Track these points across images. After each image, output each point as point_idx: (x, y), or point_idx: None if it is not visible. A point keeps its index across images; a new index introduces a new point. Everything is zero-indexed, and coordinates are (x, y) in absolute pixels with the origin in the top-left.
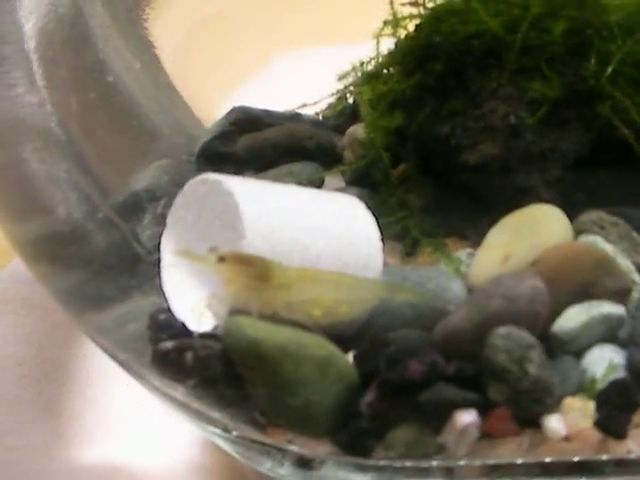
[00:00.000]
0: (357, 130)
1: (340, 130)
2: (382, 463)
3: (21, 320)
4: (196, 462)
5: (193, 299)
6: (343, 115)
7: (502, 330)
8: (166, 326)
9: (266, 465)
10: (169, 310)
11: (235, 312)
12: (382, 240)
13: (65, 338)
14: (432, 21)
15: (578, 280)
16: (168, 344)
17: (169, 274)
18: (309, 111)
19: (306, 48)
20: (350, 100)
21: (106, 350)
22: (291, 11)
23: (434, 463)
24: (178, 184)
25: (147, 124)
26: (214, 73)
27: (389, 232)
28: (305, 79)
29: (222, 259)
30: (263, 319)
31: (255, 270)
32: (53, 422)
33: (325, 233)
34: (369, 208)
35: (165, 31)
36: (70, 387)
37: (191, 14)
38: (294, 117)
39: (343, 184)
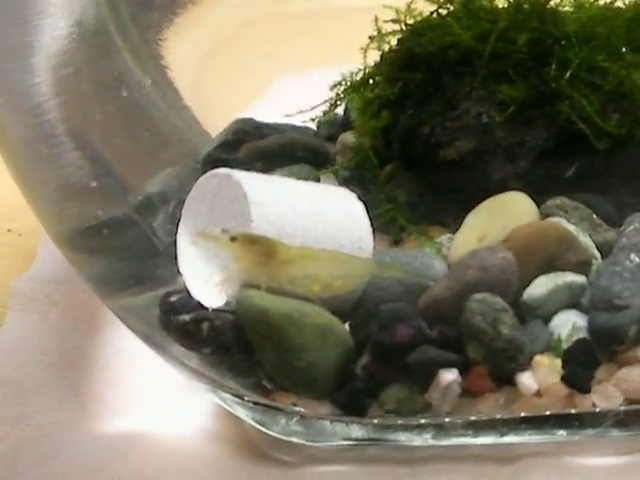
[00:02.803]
0: (347, 137)
1: (332, 139)
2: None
3: (45, 316)
4: (209, 430)
5: (207, 279)
6: (335, 125)
7: (478, 296)
8: (180, 305)
9: (281, 423)
10: (182, 291)
11: (245, 286)
12: (372, 227)
13: (85, 330)
14: (412, 35)
15: (544, 254)
16: (186, 316)
17: (185, 259)
18: (305, 118)
19: (307, 69)
20: (341, 111)
21: (131, 327)
22: (293, 35)
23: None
24: (185, 188)
25: (158, 135)
26: (223, 91)
27: (378, 223)
28: (305, 97)
29: (233, 239)
30: (270, 291)
31: (262, 248)
32: (78, 401)
33: (322, 219)
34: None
35: (180, 52)
36: (92, 372)
37: (203, 39)
38: (290, 128)
39: (336, 184)
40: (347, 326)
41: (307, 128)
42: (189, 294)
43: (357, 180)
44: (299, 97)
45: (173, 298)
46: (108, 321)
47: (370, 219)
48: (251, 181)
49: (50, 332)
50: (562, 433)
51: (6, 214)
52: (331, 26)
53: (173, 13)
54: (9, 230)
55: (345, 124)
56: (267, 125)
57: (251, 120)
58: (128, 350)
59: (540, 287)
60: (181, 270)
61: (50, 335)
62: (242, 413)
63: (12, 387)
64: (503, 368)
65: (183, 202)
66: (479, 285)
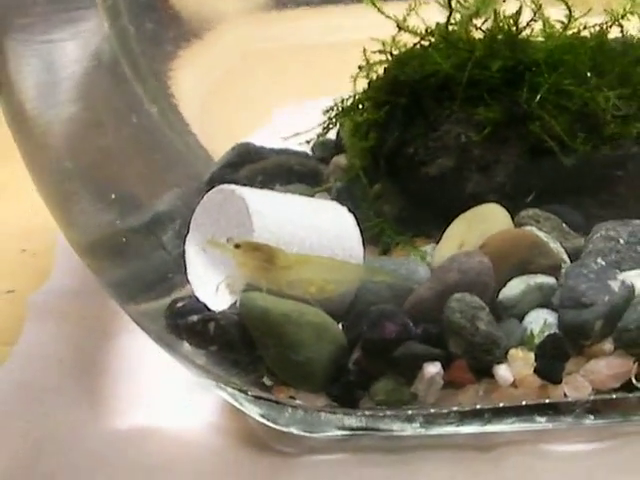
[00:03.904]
0: (340, 159)
1: (325, 161)
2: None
3: (60, 326)
4: (215, 424)
5: (213, 284)
6: (328, 148)
7: (457, 295)
8: (188, 308)
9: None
10: (188, 298)
11: (248, 289)
12: (362, 238)
13: (98, 339)
14: (397, 64)
15: (518, 258)
16: (194, 317)
17: (193, 267)
18: (302, 141)
19: (303, 100)
20: (333, 136)
21: (144, 328)
22: (290, 67)
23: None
24: (190, 207)
25: (164, 158)
26: (226, 120)
27: (368, 235)
28: (301, 126)
29: (237, 246)
30: (270, 293)
31: (263, 255)
32: (93, 401)
33: (317, 229)
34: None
35: (186, 83)
36: (105, 375)
37: (207, 70)
38: (287, 151)
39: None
40: (340, 326)
41: (302, 152)
42: (196, 299)
43: (348, 197)
44: (296, 125)
45: (180, 304)
46: (119, 330)
47: (360, 231)
48: (253, 195)
49: (65, 341)
50: (540, 420)
51: (21, 235)
52: (324, 59)
53: (179, 47)
54: (24, 250)
55: (337, 147)
56: (265, 149)
57: (251, 144)
58: (138, 356)
59: (514, 288)
60: (189, 277)
61: (65, 344)
62: (247, 407)
63: (31, 390)
64: (481, 361)
65: (188, 219)
66: (458, 286)
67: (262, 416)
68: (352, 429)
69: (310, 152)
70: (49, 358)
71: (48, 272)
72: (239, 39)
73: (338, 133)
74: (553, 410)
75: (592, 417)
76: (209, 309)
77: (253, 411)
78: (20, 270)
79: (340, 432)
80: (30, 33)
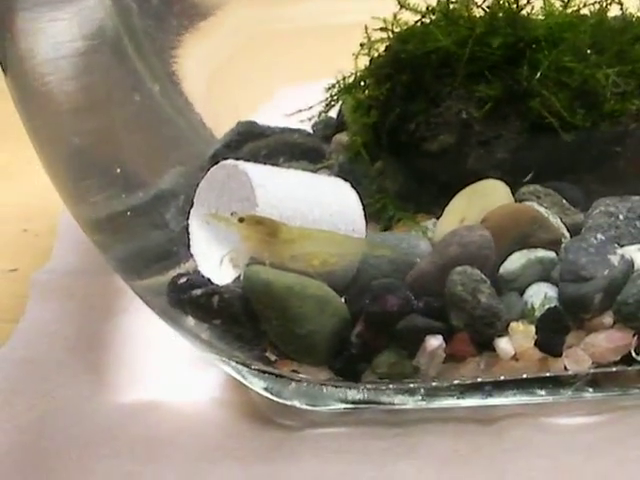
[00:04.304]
0: (342, 137)
1: (327, 139)
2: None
3: (64, 304)
4: (218, 398)
5: (217, 258)
6: (330, 127)
7: (459, 269)
8: (191, 283)
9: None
10: (191, 273)
11: (252, 262)
12: (365, 215)
13: (101, 316)
14: (398, 42)
15: (518, 232)
16: (198, 291)
17: (197, 241)
18: (303, 118)
19: (306, 81)
20: (335, 114)
21: (149, 303)
22: (293, 50)
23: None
24: (192, 185)
25: (167, 136)
26: (230, 100)
27: (370, 211)
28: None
29: (241, 220)
30: (273, 267)
31: (266, 229)
32: (97, 377)
33: (319, 204)
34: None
35: (190, 65)
36: (108, 352)
37: (211, 52)
38: (289, 130)
39: None
40: (343, 300)
41: (304, 130)
42: (199, 273)
43: (350, 174)
44: (299, 105)
45: (183, 278)
46: (122, 308)
47: (362, 206)
48: (256, 170)
49: (69, 319)
50: (541, 393)
51: (23, 216)
52: (328, 41)
53: (182, 27)
54: (25, 230)
55: (339, 126)
56: (268, 127)
57: (253, 123)
58: (141, 333)
59: (515, 262)
60: (193, 252)
61: (69, 321)
62: (251, 381)
63: (35, 366)
64: (483, 334)
65: (192, 195)
66: (459, 260)
67: (266, 390)
68: (354, 402)
69: (312, 130)
70: (53, 335)
71: (49, 252)
72: (243, 20)
73: (340, 111)
74: (553, 383)
75: (592, 390)
76: (212, 283)
77: (257, 385)
78: (22, 250)
79: (343, 405)
80: (37, 12)
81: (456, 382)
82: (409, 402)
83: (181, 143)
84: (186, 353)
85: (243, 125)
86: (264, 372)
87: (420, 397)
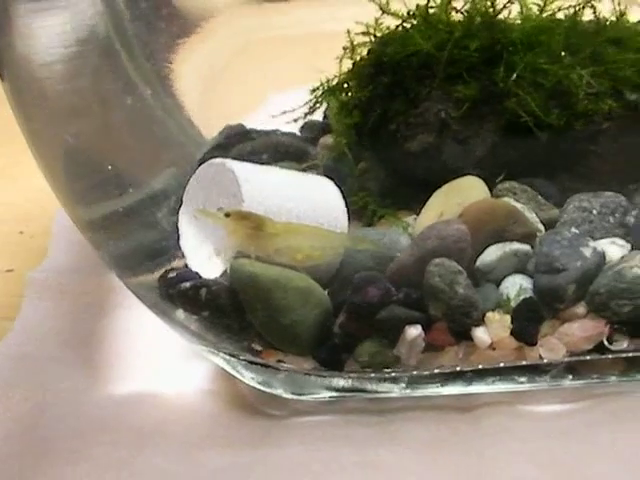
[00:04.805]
0: (327, 139)
1: (313, 142)
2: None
3: (58, 302)
4: (207, 389)
5: (205, 253)
6: (315, 129)
7: (436, 260)
8: (180, 277)
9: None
10: (180, 268)
11: (238, 256)
12: (347, 209)
13: (94, 313)
14: (380, 46)
15: (494, 226)
16: (187, 284)
17: (186, 237)
18: (289, 120)
19: (297, 87)
20: (320, 119)
21: (141, 298)
22: (282, 57)
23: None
24: (183, 186)
25: (158, 139)
26: (221, 104)
27: (353, 209)
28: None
29: (228, 215)
30: (259, 260)
31: (252, 223)
32: (90, 371)
33: (303, 200)
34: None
35: (184, 71)
36: (101, 347)
37: (205, 58)
38: (276, 132)
39: None
40: (326, 293)
41: (291, 133)
42: (187, 268)
43: (335, 173)
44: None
45: (172, 273)
46: (115, 306)
47: (345, 203)
48: (242, 167)
49: (63, 316)
50: (520, 380)
51: (19, 218)
52: (316, 48)
53: (175, 35)
54: (22, 232)
55: (325, 128)
56: (255, 130)
57: (241, 126)
58: (133, 328)
59: (491, 254)
60: (182, 247)
61: (63, 318)
62: (239, 371)
63: (31, 360)
64: (460, 323)
65: (182, 193)
66: (437, 252)
67: (253, 379)
68: (340, 390)
69: (299, 133)
70: (47, 331)
71: (45, 252)
72: (236, 27)
73: (325, 115)
74: (531, 371)
75: (571, 377)
76: (201, 277)
77: (245, 375)
78: (18, 250)
79: (329, 393)
80: (32, 18)
81: (436, 371)
82: (393, 390)
83: (172, 145)
84: (177, 347)
85: (230, 128)
86: (251, 363)
87: (404, 385)
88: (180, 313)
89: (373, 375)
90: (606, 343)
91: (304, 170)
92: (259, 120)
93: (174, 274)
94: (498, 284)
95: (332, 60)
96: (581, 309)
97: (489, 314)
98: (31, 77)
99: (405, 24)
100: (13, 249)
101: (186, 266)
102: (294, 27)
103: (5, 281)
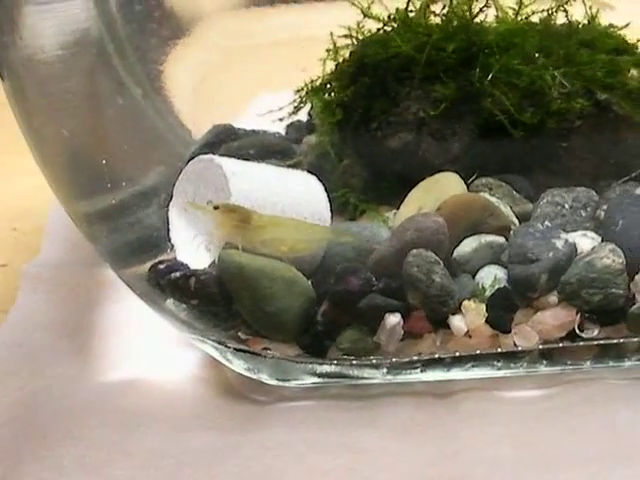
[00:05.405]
0: (311, 139)
1: (298, 141)
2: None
3: (52, 295)
4: (196, 376)
5: (194, 244)
6: (300, 129)
7: (414, 251)
8: (170, 268)
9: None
10: (170, 260)
11: (226, 247)
12: (330, 204)
13: (87, 305)
14: (362, 48)
15: (470, 219)
16: (177, 274)
17: (176, 229)
18: (274, 119)
19: (280, 90)
20: (304, 119)
21: (133, 287)
22: (268, 61)
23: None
24: (172, 183)
25: (148, 138)
26: (208, 106)
27: (335, 205)
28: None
29: (216, 207)
30: (246, 251)
31: (239, 216)
32: (82, 358)
33: (288, 194)
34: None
35: (174, 72)
36: (93, 336)
37: (195, 61)
38: (262, 132)
39: None
40: (310, 283)
41: (277, 132)
42: (176, 259)
43: (318, 170)
44: (272, 111)
45: (162, 265)
46: (107, 298)
47: (328, 198)
48: (230, 163)
49: (56, 307)
50: (498, 365)
51: (12, 215)
52: (300, 53)
53: (166, 36)
54: (15, 229)
55: (309, 128)
56: (241, 130)
57: (228, 125)
58: (124, 320)
59: (467, 246)
60: (172, 238)
61: (56, 310)
62: (227, 358)
63: (26, 349)
64: (437, 312)
65: (170, 192)
66: (415, 244)
67: (240, 366)
68: (323, 376)
69: (285, 133)
70: (41, 321)
71: (38, 248)
72: (224, 31)
73: (310, 115)
74: (506, 358)
75: (545, 363)
76: (190, 267)
77: (232, 362)
78: (12, 246)
79: (313, 380)
80: (28, 21)
81: (415, 357)
82: (375, 376)
83: (162, 144)
84: (166, 336)
85: (218, 128)
86: (238, 350)
87: (385, 371)
88: (170, 302)
89: (355, 362)
90: (577, 331)
91: (289, 167)
92: (246, 121)
93: (164, 265)
94: (474, 274)
95: (316, 62)
96: (553, 298)
97: (465, 303)
98: (31, 76)
99: (386, 27)
100: (7, 245)
101: (176, 258)
102: (280, 31)
103: None
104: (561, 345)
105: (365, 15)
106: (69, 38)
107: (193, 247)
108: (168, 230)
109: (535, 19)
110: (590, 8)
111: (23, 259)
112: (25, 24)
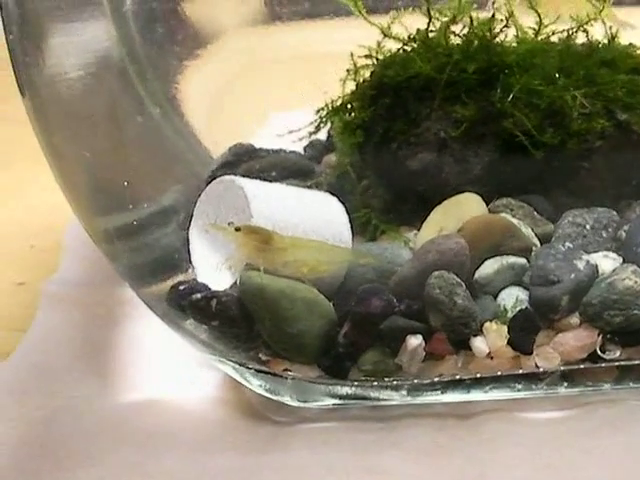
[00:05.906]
0: (331, 158)
1: (317, 160)
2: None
3: (70, 313)
4: (215, 397)
5: (215, 265)
6: (319, 148)
7: (436, 273)
8: (191, 289)
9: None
10: (190, 281)
11: (247, 268)
12: (351, 225)
13: (105, 324)
14: (382, 68)
15: (491, 241)
16: (198, 295)
17: (196, 251)
18: (294, 139)
19: (300, 107)
20: (324, 138)
21: (153, 308)
22: (285, 77)
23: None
24: (191, 202)
25: (167, 156)
26: (227, 123)
27: (356, 225)
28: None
29: (238, 229)
30: (267, 272)
31: (261, 237)
32: (101, 379)
33: (309, 216)
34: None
35: (191, 91)
36: (112, 356)
37: (210, 79)
38: (281, 151)
39: None
40: (331, 305)
41: (296, 152)
42: (196, 280)
43: (338, 191)
44: (291, 129)
45: (183, 285)
46: (124, 316)
47: (349, 220)
48: (251, 184)
49: (74, 326)
50: (518, 387)
51: (30, 233)
52: (319, 69)
53: (183, 57)
54: (33, 246)
55: (329, 147)
56: (261, 149)
57: (247, 144)
58: (142, 338)
59: (488, 267)
60: (193, 260)
61: (75, 328)
62: (247, 379)
63: (44, 369)
64: (459, 333)
65: (190, 212)
66: (437, 265)
67: (261, 387)
68: (344, 398)
69: (303, 152)
70: (60, 341)
71: (55, 266)
72: (241, 49)
73: (329, 134)
74: (527, 380)
75: (566, 385)
76: (211, 289)
77: (253, 383)
78: (30, 264)
79: (333, 401)
80: (52, 42)
81: (436, 379)
82: (395, 397)
83: (180, 163)
84: (186, 356)
85: (237, 147)
86: (259, 371)
87: (405, 393)
88: (190, 323)
89: (375, 383)
90: (599, 352)
91: (309, 187)
92: (263, 138)
93: (185, 286)
94: (495, 296)
95: (335, 81)
96: (575, 319)
97: (487, 324)
98: (52, 95)
99: (406, 47)
100: (24, 263)
101: (195, 278)
102: (298, 48)
103: (17, 294)
104: (582, 366)
105: (385, 35)
106: (90, 59)
107: (214, 268)
108: (188, 251)
109: (555, 39)
110: (610, 28)
111: (41, 277)
112: (48, 45)
